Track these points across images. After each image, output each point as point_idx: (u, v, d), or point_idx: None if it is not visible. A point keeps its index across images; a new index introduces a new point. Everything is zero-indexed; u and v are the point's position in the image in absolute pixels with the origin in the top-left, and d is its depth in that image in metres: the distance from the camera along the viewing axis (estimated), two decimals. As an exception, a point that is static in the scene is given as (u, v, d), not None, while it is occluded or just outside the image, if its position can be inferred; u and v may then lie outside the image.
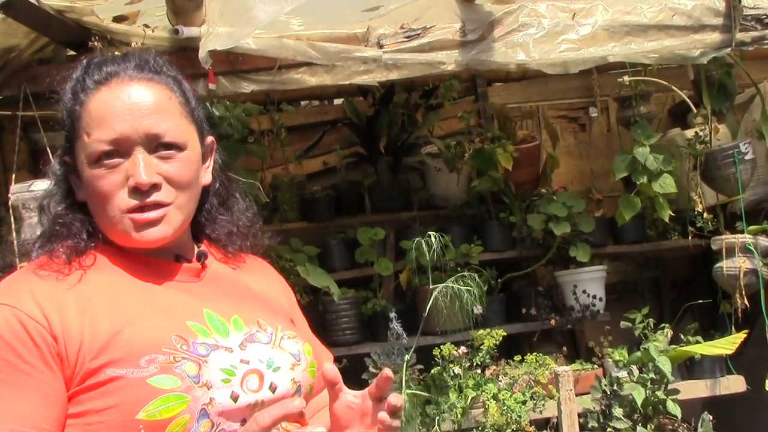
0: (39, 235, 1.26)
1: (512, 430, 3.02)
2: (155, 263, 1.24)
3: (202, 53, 2.52)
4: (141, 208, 1.18)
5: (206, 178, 1.30)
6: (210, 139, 1.32)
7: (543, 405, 3.11)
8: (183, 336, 1.15)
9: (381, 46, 2.73)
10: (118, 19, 2.77)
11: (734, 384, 3.39)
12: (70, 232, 1.22)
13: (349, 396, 1.18)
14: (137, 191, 1.17)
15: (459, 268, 3.40)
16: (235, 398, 1.14)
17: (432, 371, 3.16)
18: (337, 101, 4.34)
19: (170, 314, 1.18)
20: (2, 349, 1.08)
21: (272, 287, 1.40)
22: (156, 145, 1.19)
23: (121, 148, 1.17)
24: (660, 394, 3.05)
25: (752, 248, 3.30)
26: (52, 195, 1.27)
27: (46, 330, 1.10)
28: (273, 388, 1.19)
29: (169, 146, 1.20)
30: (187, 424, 1.10)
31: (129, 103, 1.18)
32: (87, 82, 1.20)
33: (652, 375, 3.07)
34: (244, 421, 1.15)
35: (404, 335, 3.07)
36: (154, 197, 1.18)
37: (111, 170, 1.18)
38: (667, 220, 3.49)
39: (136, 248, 1.22)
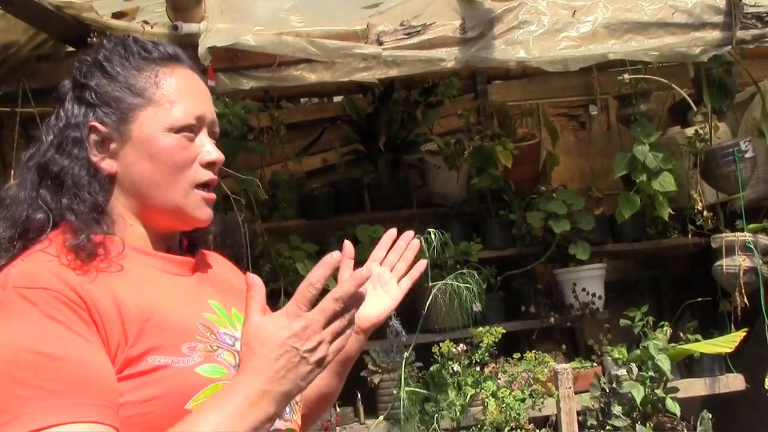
0: (70, 207, 1.13)
1: (511, 427, 3.02)
2: (158, 256, 1.21)
3: (201, 50, 2.51)
4: (206, 186, 1.21)
5: None
6: None
7: (542, 403, 3.12)
8: (208, 326, 1.14)
9: (381, 43, 2.72)
10: (117, 15, 2.77)
11: (733, 382, 3.39)
12: (98, 221, 1.15)
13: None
14: (211, 167, 1.21)
15: (458, 266, 3.39)
16: None
17: (431, 369, 3.16)
18: (337, 98, 4.34)
19: (187, 305, 1.16)
20: (56, 326, 1.01)
21: (238, 280, 1.36)
22: (211, 131, 1.24)
23: (197, 125, 1.21)
24: (659, 392, 3.05)
25: (752, 246, 3.30)
26: (76, 160, 1.16)
27: (86, 313, 1.05)
28: None
29: (215, 135, 1.26)
30: None
31: (200, 87, 1.24)
32: (155, 54, 1.21)
33: (651, 373, 3.07)
34: None
35: (403, 333, 3.07)
36: (215, 176, 1.23)
37: (188, 143, 1.20)
38: (666, 218, 3.49)
39: (171, 228, 1.22)
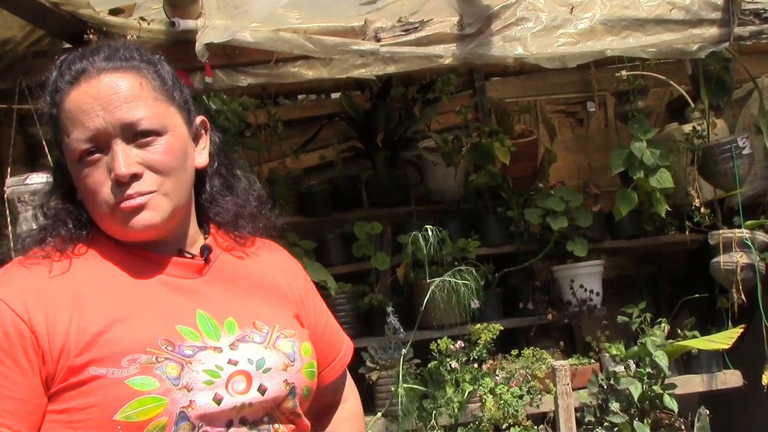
0: (36, 228, 1.26)
1: (509, 424, 3.02)
2: (154, 258, 1.22)
3: (198, 46, 2.51)
4: (126, 199, 1.18)
5: (201, 159, 1.29)
6: (200, 119, 1.31)
7: (540, 399, 3.12)
8: (170, 339, 1.15)
9: (378, 40, 2.72)
10: (114, 11, 2.76)
11: (731, 379, 3.39)
12: (61, 222, 1.22)
13: None
14: (119, 183, 1.17)
15: (456, 263, 3.39)
16: (218, 400, 1.12)
17: (429, 366, 3.16)
18: (334, 95, 4.34)
19: (161, 316, 1.17)
20: None
21: (281, 275, 1.36)
22: (133, 134, 1.18)
23: (100, 144, 1.18)
24: (657, 388, 3.06)
25: (749, 243, 3.30)
26: (49, 191, 1.28)
27: (26, 324, 1.11)
28: (262, 390, 1.17)
29: (147, 133, 1.19)
30: (164, 426, 1.09)
31: (99, 97, 1.18)
32: (59, 84, 1.21)
33: (649, 370, 3.07)
34: (230, 423, 1.14)
35: (401, 329, 3.07)
36: (135, 188, 1.17)
37: (93, 167, 1.18)
38: (664, 215, 3.49)
39: (133, 241, 1.21)
